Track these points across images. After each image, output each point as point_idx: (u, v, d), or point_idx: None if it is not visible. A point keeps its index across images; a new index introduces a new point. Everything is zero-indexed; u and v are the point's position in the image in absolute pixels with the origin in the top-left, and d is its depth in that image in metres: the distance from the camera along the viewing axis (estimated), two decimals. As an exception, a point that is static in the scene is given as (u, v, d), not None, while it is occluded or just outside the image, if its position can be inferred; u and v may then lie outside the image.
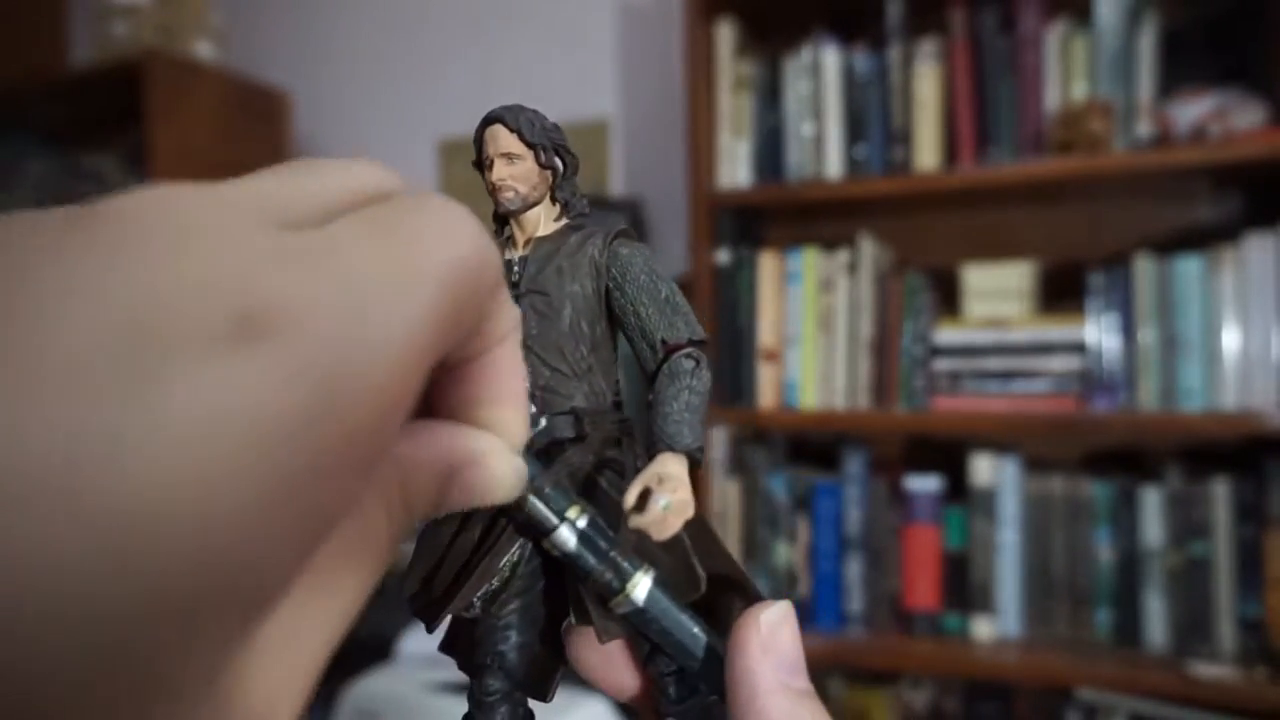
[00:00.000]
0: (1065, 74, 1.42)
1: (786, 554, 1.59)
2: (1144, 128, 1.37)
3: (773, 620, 0.29)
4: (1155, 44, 1.37)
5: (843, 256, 1.53)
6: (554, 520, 0.36)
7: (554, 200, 0.50)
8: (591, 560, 0.36)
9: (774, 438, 1.65)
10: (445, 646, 0.44)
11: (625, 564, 0.37)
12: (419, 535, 0.43)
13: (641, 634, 0.37)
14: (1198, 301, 1.35)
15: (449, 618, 0.43)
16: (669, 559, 0.41)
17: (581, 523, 0.37)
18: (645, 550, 0.39)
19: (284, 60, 2.34)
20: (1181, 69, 1.38)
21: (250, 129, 2.17)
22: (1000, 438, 1.55)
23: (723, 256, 1.59)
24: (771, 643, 0.29)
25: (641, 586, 0.36)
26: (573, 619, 0.40)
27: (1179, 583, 1.39)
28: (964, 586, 1.50)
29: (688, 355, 0.47)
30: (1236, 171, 1.36)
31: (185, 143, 2.00)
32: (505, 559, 0.42)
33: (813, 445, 1.69)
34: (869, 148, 1.52)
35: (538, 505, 0.36)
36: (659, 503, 0.40)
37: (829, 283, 1.54)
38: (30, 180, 2.26)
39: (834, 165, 1.54)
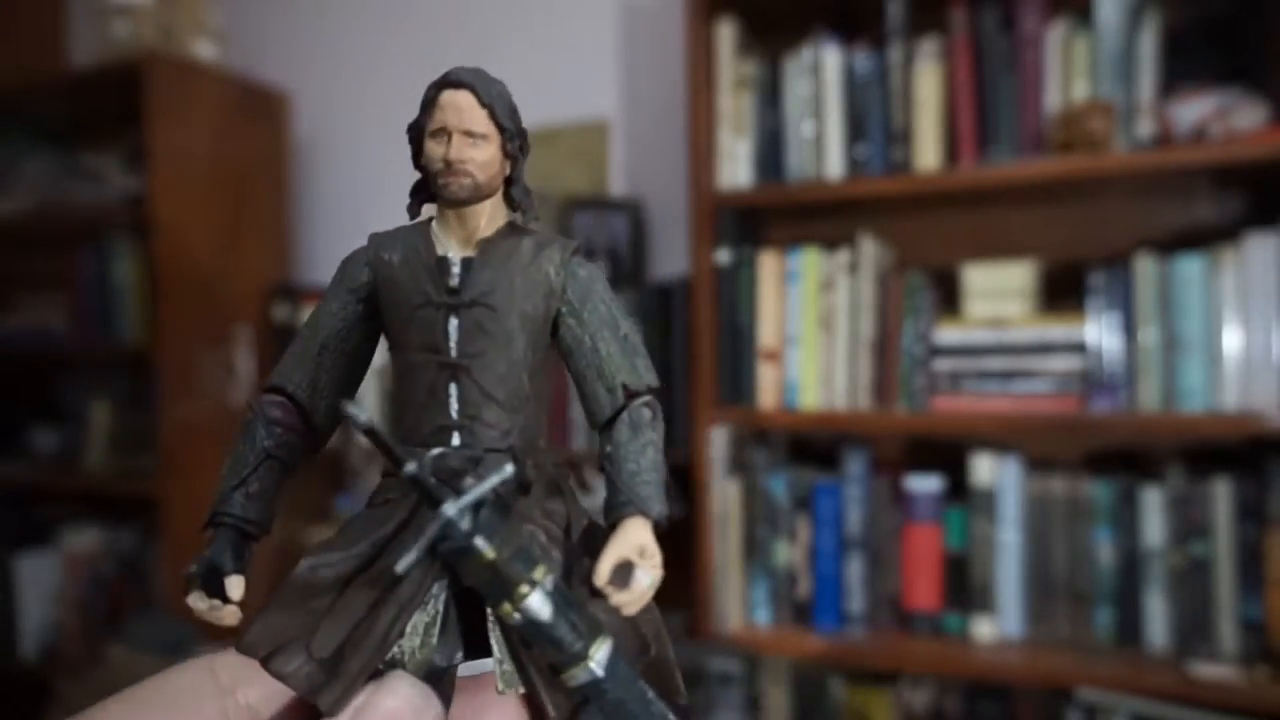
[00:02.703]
0: (1066, 73, 1.42)
1: (786, 554, 1.59)
2: (1145, 127, 1.37)
3: None
4: (1156, 44, 1.37)
5: (843, 256, 1.53)
6: (525, 586, 0.32)
7: (504, 195, 0.44)
8: (563, 628, 0.33)
9: (774, 438, 1.65)
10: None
11: (585, 629, 0.33)
12: (288, 581, 0.36)
13: (596, 706, 0.33)
14: (1199, 301, 1.35)
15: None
16: (612, 621, 0.36)
17: (548, 584, 0.33)
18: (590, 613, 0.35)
19: (284, 60, 2.34)
20: (1182, 69, 1.38)
21: (250, 129, 2.17)
22: (1001, 438, 1.55)
23: (723, 256, 1.59)
24: None
25: (602, 654, 0.33)
26: (507, 687, 0.35)
27: (1180, 583, 1.38)
28: (964, 586, 1.50)
29: (646, 404, 0.42)
30: (1237, 171, 1.36)
31: (185, 143, 2.00)
32: (416, 617, 0.36)
33: (813, 445, 1.69)
34: (869, 148, 1.52)
35: (507, 568, 0.32)
36: (644, 581, 0.36)
37: (829, 283, 1.54)
38: (30, 180, 2.26)
39: (834, 165, 1.54)
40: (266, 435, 0.41)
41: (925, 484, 1.52)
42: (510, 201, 0.44)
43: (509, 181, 0.43)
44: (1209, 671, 1.31)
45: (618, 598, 0.36)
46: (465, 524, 0.32)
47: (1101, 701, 1.37)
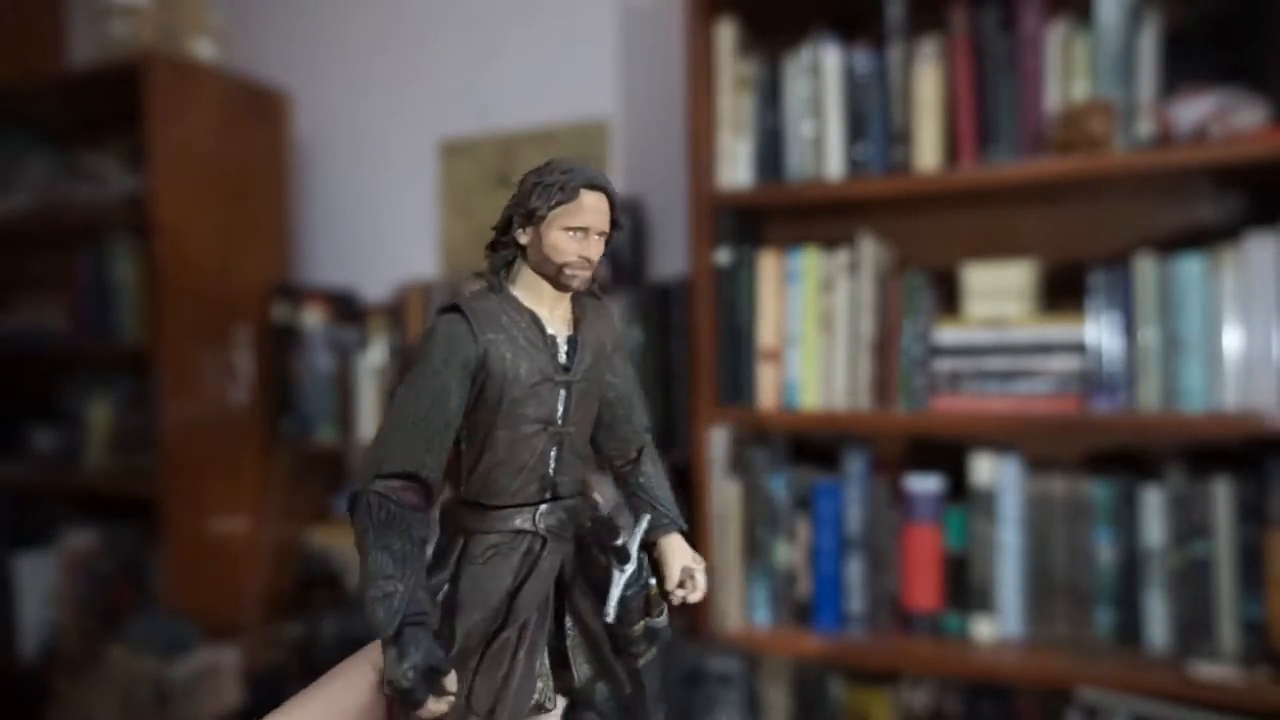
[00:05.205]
0: (1066, 73, 1.42)
1: (786, 554, 1.59)
2: (1145, 127, 1.37)
3: None
4: (1156, 43, 1.37)
5: (843, 256, 1.53)
6: (664, 604, 0.47)
7: None
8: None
9: (774, 438, 1.65)
10: None
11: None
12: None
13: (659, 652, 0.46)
14: (1199, 301, 1.35)
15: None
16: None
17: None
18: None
19: (284, 60, 2.33)
20: (1183, 68, 1.38)
21: (250, 129, 2.17)
22: (1001, 438, 1.55)
23: (723, 256, 1.59)
24: None
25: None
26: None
27: (1180, 583, 1.38)
28: (964, 586, 1.50)
29: (651, 438, 0.52)
30: (1237, 171, 1.36)
31: (185, 142, 1.99)
32: (541, 656, 0.44)
33: (813, 445, 1.69)
34: (869, 148, 1.52)
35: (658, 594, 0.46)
36: (704, 580, 0.48)
37: (829, 283, 1.54)
38: (30, 180, 2.26)
39: (834, 165, 1.54)
40: (418, 526, 0.42)
41: (925, 484, 1.52)
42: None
43: None
44: (1209, 671, 1.31)
45: (693, 596, 0.47)
46: (644, 571, 0.44)
47: (1101, 701, 1.37)
